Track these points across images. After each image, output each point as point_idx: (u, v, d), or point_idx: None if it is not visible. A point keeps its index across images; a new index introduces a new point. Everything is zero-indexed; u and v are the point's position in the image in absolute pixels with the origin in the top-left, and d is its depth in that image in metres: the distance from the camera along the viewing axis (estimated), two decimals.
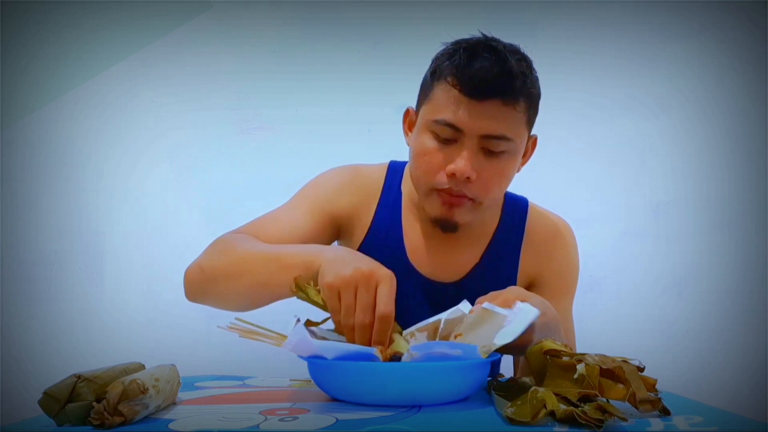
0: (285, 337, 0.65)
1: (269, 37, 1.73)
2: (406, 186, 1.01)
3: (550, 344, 0.65)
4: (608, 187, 1.68)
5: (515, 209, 1.02)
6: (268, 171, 1.68)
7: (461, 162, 0.84)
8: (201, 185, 1.70)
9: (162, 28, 1.72)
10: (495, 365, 1.08)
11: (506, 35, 0.89)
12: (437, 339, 0.74)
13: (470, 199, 0.87)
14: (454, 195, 0.86)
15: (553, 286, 1.00)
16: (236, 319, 0.68)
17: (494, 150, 0.85)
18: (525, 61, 0.86)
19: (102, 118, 1.71)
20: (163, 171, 1.71)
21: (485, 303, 0.73)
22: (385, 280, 0.69)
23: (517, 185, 1.06)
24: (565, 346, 0.66)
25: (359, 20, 1.76)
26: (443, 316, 0.76)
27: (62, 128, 1.70)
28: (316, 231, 0.95)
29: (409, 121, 0.96)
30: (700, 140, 1.68)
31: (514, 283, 0.98)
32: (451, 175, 0.85)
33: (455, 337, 0.72)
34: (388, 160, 1.05)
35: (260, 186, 1.64)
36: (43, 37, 1.69)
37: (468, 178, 0.84)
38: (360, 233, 0.99)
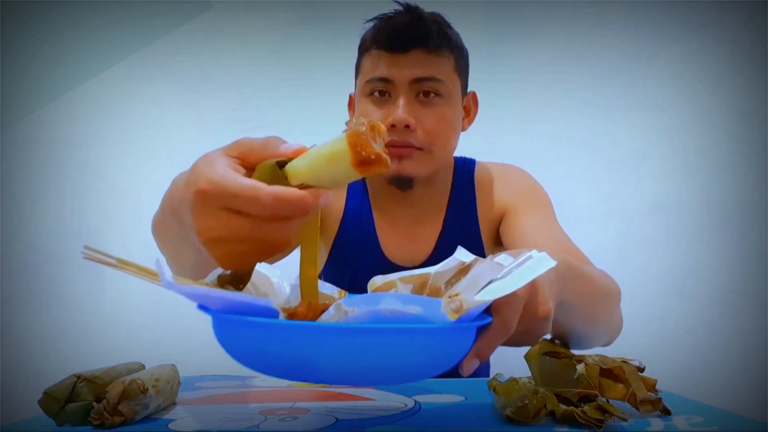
0: (157, 274, 0.45)
1: (269, 37, 1.73)
2: None
3: (549, 345, 0.65)
4: (608, 187, 1.68)
5: (464, 170, 1.01)
6: None
7: (397, 111, 0.87)
8: None
9: (162, 28, 1.72)
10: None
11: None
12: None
13: (419, 149, 0.88)
14: (399, 146, 0.88)
15: (523, 207, 0.94)
16: (86, 247, 0.46)
17: (428, 94, 0.88)
18: (440, 16, 0.92)
19: (102, 118, 1.71)
20: (163, 171, 1.71)
21: (500, 255, 0.52)
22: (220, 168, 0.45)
23: None
24: (563, 347, 0.66)
25: (359, 20, 1.76)
26: (434, 268, 0.58)
27: (62, 128, 1.70)
28: None
29: (353, 104, 0.99)
30: (700, 140, 1.67)
31: (480, 239, 0.96)
32: (391, 127, 0.87)
33: (450, 298, 0.50)
34: None
35: None
36: (43, 37, 1.69)
37: (408, 126, 0.86)
38: (333, 224, 0.99)
